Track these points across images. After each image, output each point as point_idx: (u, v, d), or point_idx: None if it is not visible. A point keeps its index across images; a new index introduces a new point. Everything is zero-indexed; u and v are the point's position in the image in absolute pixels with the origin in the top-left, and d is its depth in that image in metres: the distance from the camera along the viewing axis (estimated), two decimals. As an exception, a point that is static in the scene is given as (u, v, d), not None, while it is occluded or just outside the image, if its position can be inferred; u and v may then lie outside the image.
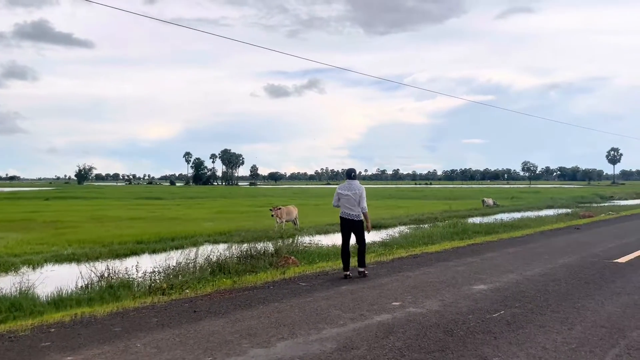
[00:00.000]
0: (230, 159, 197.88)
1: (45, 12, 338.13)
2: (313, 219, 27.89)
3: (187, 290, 8.28)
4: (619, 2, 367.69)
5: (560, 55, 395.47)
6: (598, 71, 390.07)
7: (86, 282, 10.48)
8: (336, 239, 19.42)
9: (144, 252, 16.78)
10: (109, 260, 15.45)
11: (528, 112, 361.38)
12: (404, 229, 23.14)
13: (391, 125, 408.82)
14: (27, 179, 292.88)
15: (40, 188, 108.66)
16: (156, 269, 12.23)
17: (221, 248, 14.01)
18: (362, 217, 8.57)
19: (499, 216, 30.97)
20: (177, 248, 17.34)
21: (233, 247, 13.47)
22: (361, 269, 8.62)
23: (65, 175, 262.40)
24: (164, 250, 17.05)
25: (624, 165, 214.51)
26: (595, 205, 43.33)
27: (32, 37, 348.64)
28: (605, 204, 45.65)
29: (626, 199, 55.97)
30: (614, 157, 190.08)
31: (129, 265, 12.98)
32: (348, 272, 8.54)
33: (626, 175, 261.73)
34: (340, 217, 8.72)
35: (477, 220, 27.23)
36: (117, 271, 11.10)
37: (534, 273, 8.73)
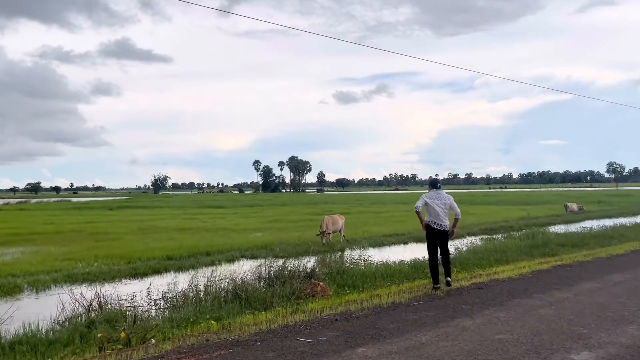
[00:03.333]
0: (298, 166, 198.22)
1: (127, 30, 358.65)
2: (370, 228, 25.16)
3: (153, 341, 6.03)
4: None
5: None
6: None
7: (67, 316, 8.61)
8: (390, 254, 16.61)
9: (168, 271, 14.88)
10: (126, 280, 13.77)
11: (613, 110, 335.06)
12: (473, 240, 20.01)
13: (463, 129, 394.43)
14: (111, 189, 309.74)
15: (117, 197, 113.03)
16: (166, 296, 10.25)
17: (254, 265, 12.04)
18: (448, 228, 8.54)
19: (586, 224, 26.82)
20: (208, 265, 15.43)
21: (263, 266, 11.31)
22: (448, 279, 8.67)
23: (144, 185, 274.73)
24: (193, 267, 15.10)
25: None
26: (703, 209, 37.42)
27: (116, 54, 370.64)
28: None
29: None
30: None
31: (138, 289, 11.14)
32: (439, 285, 8.49)
33: None
34: (429, 226, 8.53)
35: (560, 229, 23.52)
36: (113, 299, 9.32)
37: (665, 324, 5.68)
